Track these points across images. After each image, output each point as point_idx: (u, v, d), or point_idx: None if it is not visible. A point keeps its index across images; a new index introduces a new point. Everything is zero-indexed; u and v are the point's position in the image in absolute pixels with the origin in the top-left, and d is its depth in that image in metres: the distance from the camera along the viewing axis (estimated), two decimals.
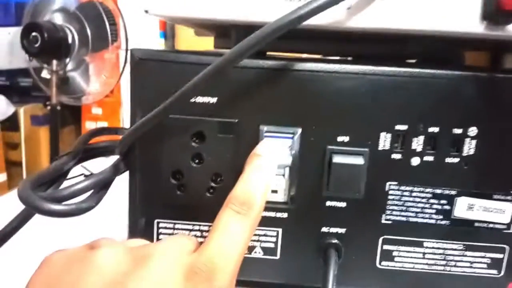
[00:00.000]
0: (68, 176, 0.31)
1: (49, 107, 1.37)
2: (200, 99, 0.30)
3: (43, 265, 0.23)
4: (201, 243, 0.24)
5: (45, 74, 1.37)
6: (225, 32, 0.34)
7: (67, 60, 1.32)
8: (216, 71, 0.24)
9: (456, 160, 0.30)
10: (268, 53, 0.34)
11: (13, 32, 1.46)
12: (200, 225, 0.32)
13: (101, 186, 0.29)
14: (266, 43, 0.24)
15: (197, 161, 0.31)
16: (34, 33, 1.28)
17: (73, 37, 1.33)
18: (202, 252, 0.23)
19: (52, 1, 1.38)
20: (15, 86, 1.55)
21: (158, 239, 0.32)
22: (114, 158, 0.31)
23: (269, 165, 0.28)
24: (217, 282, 0.21)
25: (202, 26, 0.35)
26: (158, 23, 1.50)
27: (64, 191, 0.26)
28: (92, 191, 0.28)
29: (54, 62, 1.32)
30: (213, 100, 0.30)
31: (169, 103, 0.25)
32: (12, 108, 1.45)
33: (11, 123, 1.44)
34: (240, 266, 0.33)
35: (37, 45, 1.28)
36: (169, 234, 0.32)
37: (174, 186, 0.31)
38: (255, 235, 0.32)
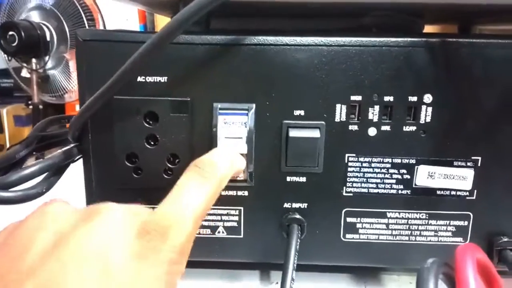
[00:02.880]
0: None
1: (31, 107, 1.36)
2: (150, 79, 0.29)
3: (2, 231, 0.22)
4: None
5: (24, 73, 1.35)
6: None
7: (46, 58, 1.31)
8: (153, 47, 0.24)
9: (413, 128, 0.30)
10: None
11: None
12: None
13: (52, 172, 0.28)
14: (201, 15, 0.23)
15: (151, 142, 0.30)
16: (11, 32, 1.27)
17: (51, 34, 1.32)
18: (157, 210, 0.21)
19: None
20: None
21: None
22: None
23: (239, 158, 0.28)
24: (171, 241, 0.20)
25: (156, 6, 0.34)
26: (138, 17, 1.48)
27: (10, 177, 0.25)
28: (43, 177, 0.28)
29: (33, 60, 1.31)
30: (163, 79, 0.29)
31: (111, 82, 0.25)
32: None
33: None
34: (205, 247, 0.32)
35: (14, 44, 1.27)
36: None
37: (130, 169, 0.30)
38: (217, 215, 0.32)
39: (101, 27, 1.36)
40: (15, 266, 0.19)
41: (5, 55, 1.32)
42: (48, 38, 1.32)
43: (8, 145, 1.47)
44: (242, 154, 0.29)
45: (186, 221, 0.21)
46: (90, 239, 0.19)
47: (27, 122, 1.47)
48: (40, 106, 1.35)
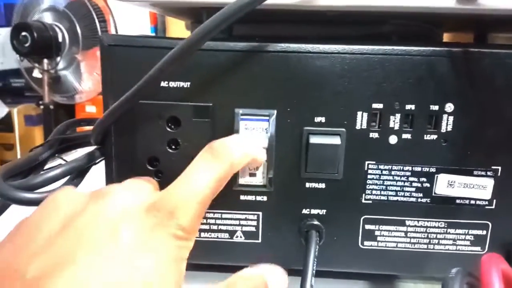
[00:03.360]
0: None
1: (42, 107, 1.37)
2: (172, 84, 0.29)
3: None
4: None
5: (36, 73, 1.37)
6: (200, 17, 0.34)
7: (58, 58, 1.32)
8: (180, 53, 0.24)
9: (434, 137, 0.30)
10: None
11: (3, 33, 1.45)
12: None
13: (76, 174, 0.28)
14: (228, 23, 0.23)
15: (173, 146, 0.30)
16: (24, 33, 1.28)
17: (63, 35, 1.33)
18: (167, 190, 0.22)
19: (41, 0, 1.38)
20: (7, 87, 1.55)
21: None
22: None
23: (256, 154, 0.28)
24: (177, 220, 0.21)
25: (175, 11, 0.34)
26: (149, 18, 1.49)
27: (35, 179, 0.26)
28: (66, 179, 0.28)
29: (45, 61, 1.32)
30: (186, 84, 0.29)
31: (137, 88, 0.25)
32: (5, 109, 1.45)
33: (5, 124, 1.44)
34: (223, 251, 0.33)
35: (27, 44, 1.28)
36: None
37: (151, 172, 0.31)
38: (236, 219, 0.32)
39: (113, 29, 1.37)
40: (23, 250, 0.19)
41: (18, 55, 1.33)
42: (60, 39, 1.33)
43: (18, 144, 1.48)
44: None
45: (191, 203, 0.21)
46: (100, 217, 0.20)
47: (37, 122, 1.48)
48: (51, 106, 1.37)
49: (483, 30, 0.45)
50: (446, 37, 0.51)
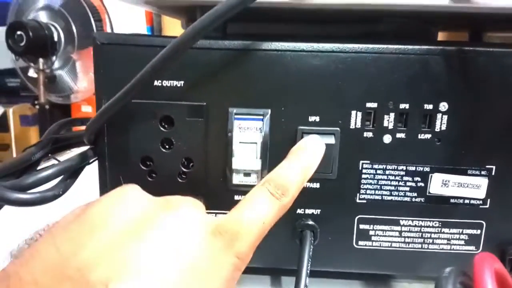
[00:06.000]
0: None
1: (37, 107, 1.36)
2: (166, 83, 0.29)
3: None
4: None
5: (32, 73, 1.36)
6: (195, 15, 0.34)
7: (54, 58, 1.31)
8: (173, 52, 0.24)
9: (428, 136, 0.30)
10: None
11: None
12: None
13: (69, 174, 0.28)
14: (221, 22, 0.23)
15: (166, 146, 0.30)
16: (19, 32, 1.27)
17: (58, 34, 1.32)
18: (231, 216, 0.23)
19: None
20: (3, 87, 1.54)
21: None
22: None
23: (314, 163, 0.27)
24: (237, 248, 0.21)
25: (169, 9, 0.34)
26: (145, 18, 1.49)
27: (27, 179, 0.26)
28: (60, 179, 0.28)
29: (41, 60, 1.31)
30: (180, 83, 0.29)
31: (130, 87, 0.25)
32: (0, 109, 1.44)
33: (1, 124, 1.43)
34: None
35: (22, 44, 1.27)
36: None
37: (145, 172, 0.30)
38: None
39: (108, 28, 1.37)
40: (85, 246, 0.19)
41: (13, 55, 1.33)
42: (55, 38, 1.32)
43: (13, 145, 1.47)
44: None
45: (253, 234, 0.22)
46: (172, 228, 0.21)
47: (33, 122, 1.47)
48: (47, 106, 1.36)
49: (478, 29, 0.45)
50: (441, 36, 0.51)
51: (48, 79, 1.35)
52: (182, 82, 0.29)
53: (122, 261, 0.19)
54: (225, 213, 0.31)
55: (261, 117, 0.30)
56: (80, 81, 1.37)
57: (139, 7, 0.37)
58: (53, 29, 1.33)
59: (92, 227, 0.20)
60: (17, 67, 1.42)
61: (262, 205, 0.24)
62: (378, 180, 0.31)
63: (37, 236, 0.20)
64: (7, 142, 1.46)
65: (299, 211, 0.32)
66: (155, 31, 1.51)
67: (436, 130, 0.30)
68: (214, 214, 0.32)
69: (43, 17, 1.35)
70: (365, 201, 0.31)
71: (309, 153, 0.27)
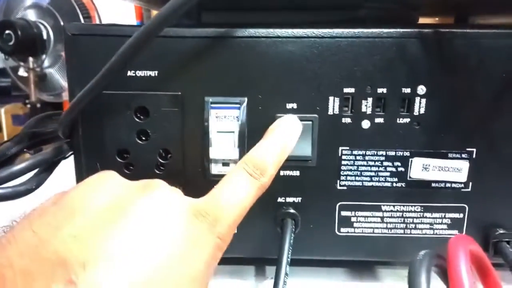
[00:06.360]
0: None
1: (29, 106, 1.36)
2: (140, 73, 0.29)
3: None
4: None
5: (22, 72, 1.35)
6: None
7: (43, 56, 1.31)
8: (140, 40, 0.23)
9: (407, 120, 0.30)
10: None
11: None
12: None
13: (43, 168, 0.28)
14: (185, 9, 0.23)
15: (142, 137, 0.30)
16: (7, 31, 1.26)
17: (47, 33, 1.31)
18: (211, 197, 0.23)
19: None
20: None
21: None
22: None
23: (291, 142, 0.27)
24: (219, 229, 0.22)
25: (151, 2, 0.34)
26: (134, 13, 1.48)
27: (0, 174, 0.25)
28: (33, 173, 0.27)
29: (30, 59, 1.31)
30: (154, 73, 0.29)
31: (100, 77, 0.25)
32: None
33: None
34: None
35: (11, 43, 1.26)
36: None
37: (121, 165, 0.30)
38: None
39: None
40: (68, 224, 0.19)
41: (2, 54, 1.32)
42: (44, 37, 1.32)
43: None
44: None
45: (233, 215, 0.23)
46: (149, 211, 0.21)
47: (25, 121, 1.47)
48: (38, 105, 1.35)
49: (463, 14, 0.45)
50: (426, 22, 0.50)
51: (38, 77, 1.34)
52: (157, 71, 0.29)
53: (99, 244, 0.19)
54: None
55: (238, 105, 0.29)
56: None
57: (122, 0, 0.37)
58: (42, 27, 1.32)
59: (70, 211, 0.20)
60: (7, 67, 1.41)
61: (242, 186, 0.24)
62: (358, 166, 0.31)
63: (14, 224, 0.20)
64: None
65: (280, 199, 0.31)
66: None
67: (415, 114, 0.30)
68: None
69: (31, 15, 1.34)
70: (345, 188, 0.31)
71: (286, 132, 0.27)
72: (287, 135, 0.27)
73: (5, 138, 1.46)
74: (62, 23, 1.31)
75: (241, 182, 0.24)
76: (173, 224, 0.21)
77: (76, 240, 0.18)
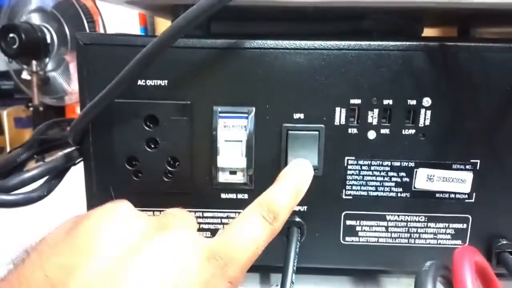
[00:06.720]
0: None
1: (31, 109, 1.36)
2: (150, 82, 0.29)
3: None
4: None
5: (25, 75, 1.35)
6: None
7: (47, 60, 1.31)
8: (153, 51, 0.24)
9: (412, 131, 0.30)
10: None
11: None
12: (159, 210, 0.31)
13: (54, 175, 0.28)
14: (200, 21, 0.23)
15: (152, 145, 0.30)
16: (11, 35, 1.27)
17: (51, 36, 1.32)
18: (224, 239, 0.23)
19: (29, 1, 1.36)
20: None
21: None
22: None
23: (303, 188, 0.28)
24: (230, 273, 0.22)
25: (152, 9, 0.34)
26: (138, 19, 1.48)
27: (12, 181, 0.26)
28: (44, 180, 0.28)
29: (34, 62, 1.31)
30: (164, 82, 0.29)
31: (112, 86, 0.25)
32: None
33: None
34: None
35: (15, 46, 1.27)
36: None
37: (130, 172, 0.30)
38: (218, 217, 0.32)
39: (101, 29, 1.36)
40: (81, 268, 0.19)
41: (6, 57, 1.32)
42: (48, 40, 1.32)
43: (8, 147, 1.47)
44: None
45: (246, 259, 0.22)
46: (164, 255, 0.20)
47: (27, 124, 1.47)
48: (41, 108, 1.35)
49: (466, 25, 0.45)
50: (430, 33, 0.51)
51: (41, 81, 1.34)
52: (166, 81, 0.29)
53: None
54: (211, 211, 0.32)
55: (246, 115, 0.30)
56: (74, 83, 1.37)
57: (118, 6, 0.37)
58: (45, 31, 1.32)
59: (81, 250, 0.20)
60: (11, 70, 1.41)
61: (255, 229, 0.24)
62: (363, 176, 0.31)
63: (24, 255, 0.20)
64: (2, 145, 1.46)
65: None
66: (149, 31, 1.50)
67: (420, 125, 0.30)
68: (205, 235, 0.32)
69: (35, 19, 1.34)
70: (351, 197, 0.31)
71: (299, 177, 0.27)
72: (300, 181, 0.27)
73: (7, 141, 1.46)
74: (66, 27, 1.31)
75: (255, 225, 0.24)
76: (187, 269, 0.21)
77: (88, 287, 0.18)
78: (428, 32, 0.48)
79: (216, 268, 0.21)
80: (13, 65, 1.38)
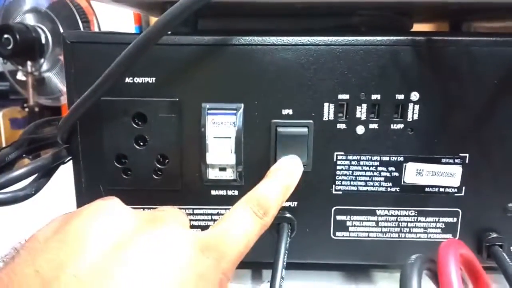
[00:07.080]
0: None
1: (27, 110, 1.36)
2: (138, 80, 0.29)
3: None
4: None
5: (20, 76, 1.35)
6: None
7: (42, 60, 1.31)
8: (138, 48, 0.24)
9: (401, 126, 0.30)
10: None
11: None
12: (149, 208, 0.31)
13: (42, 174, 0.28)
14: (183, 17, 0.23)
15: (140, 143, 0.30)
16: (6, 36, 1.26)
17: (46, 37, 1.31)
18: (216, 232, 0.23)
19: (23, 2, 1.36)
20: None
21: None
22: None
23: (293, 183, 0.28)
24: (223, 265, 0.22)
25: (143, 7, 0.34)
26: (133, 18, 1.48)
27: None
28: (32, 179, 0.28)
29: (29, 63, 1.31)
30: (152, 80, 0.29)
31: (98, 84, 0.25)
32: None
33: None
34: None
35: (9, 47, 1.26)
36: None
37: (119, 170, 0.30)
38: (208, 214, 0.32)
39: (96, 29, 1.36)
40: (72, 263, 0.19)
41: (1, 58, 1.32)
42: (43, 41, 1.32)
43: None
44: None
45: (237, 252, 0.23)
46: (155, 249, 0.20)
47: (23, 125, 1.47)
48: (36, 109, 1.35)
49: (457, 20, 0.45)
50: (422, 28, 0.51)
51: (37, 81, 1.34)
52: (154, 78, 0.29)
53: (103, 286, 0.18)
54: (201, 208, 0.32)
55: (234, 111, 0.30)
56: None
57: (116, 6, 0.37)
58: (40, 31, 1.32)
59: (72, 246, 0.19)
60: (6, 71, 1.41)
61: (246, 224, 0.24)
62: (353, 171, 0.31)
63: (14, 253, 0.20)
64: None
65: None
66: (144, 30, 1.50)
67: (408, 119, 0.30)
68: (197, 230, 0.32)
69: (30, 19, 1.34)
70: (341, 192, 0.32)
71: (289, 173, 0.28)
72: (290, 177, 0.28)
73: (3, 142, 1.46)
74: (60, 27, 1.31)
75: (246, 219, 0.24)
76: (180, 262, 0.21)
77: (78, 282, 0.18)
78: (420, 27, 0.48)
79: (209, 260, 0.22)
80: (8, 66, 1.38)
